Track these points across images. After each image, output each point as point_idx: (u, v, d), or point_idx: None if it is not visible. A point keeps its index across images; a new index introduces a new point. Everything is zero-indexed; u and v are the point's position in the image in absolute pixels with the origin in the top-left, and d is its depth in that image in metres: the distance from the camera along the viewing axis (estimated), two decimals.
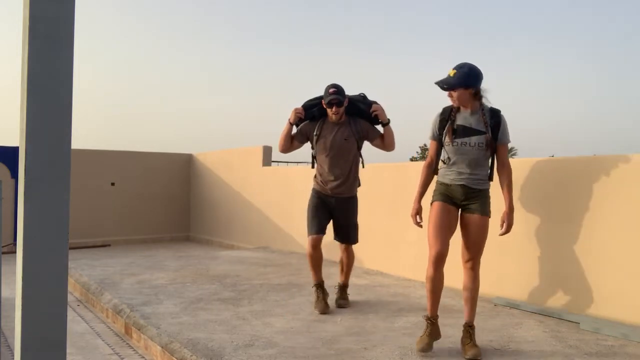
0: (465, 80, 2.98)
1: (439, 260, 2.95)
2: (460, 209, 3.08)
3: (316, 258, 3.85)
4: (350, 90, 3.92)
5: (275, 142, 4.09)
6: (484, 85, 3.06)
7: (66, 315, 0.79)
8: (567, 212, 3.68)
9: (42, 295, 0.75)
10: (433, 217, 3.04)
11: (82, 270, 5.30)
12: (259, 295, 4.28)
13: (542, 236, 3.84)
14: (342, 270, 4.09)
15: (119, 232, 8.62)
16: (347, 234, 3.98)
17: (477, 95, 3.04)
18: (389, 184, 5.33)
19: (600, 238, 3.48)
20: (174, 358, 2.97)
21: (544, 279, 3.83)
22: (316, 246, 3.82)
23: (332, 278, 4.74)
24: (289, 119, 3.88)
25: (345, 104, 3.82)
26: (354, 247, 4.10)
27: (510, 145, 3.29)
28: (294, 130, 3.95)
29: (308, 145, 4.01)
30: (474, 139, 3.00)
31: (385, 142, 3.88)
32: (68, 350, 2.85)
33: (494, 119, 3.04)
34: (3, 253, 4.05)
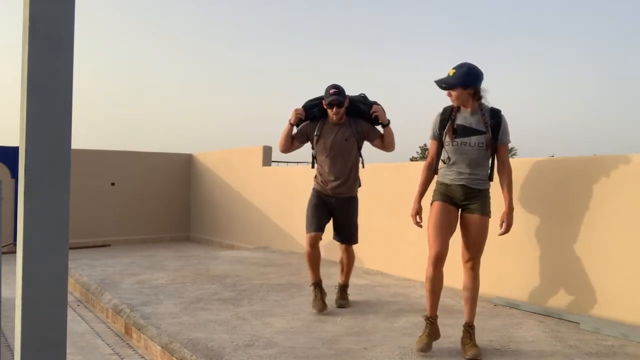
0: (464, 80, 2.98)
1: (439, 260, 2.95)
2: (460, 209, 3.08)
3: (314, 257, 3.83)
4: (351, 91, 3.92)
5: (275, 142, 4.10)
6: (484, 85, 3.07)
7: (66, 315, 0.79)
8: (567, 212, 3.68)
9: (42, 295, 0.75)
10: (433, 217, 3.04)
11: (82, 270, 5.30)
12: (259, 295, 4.28)
13: (542, 236, 3.84)
14: (342, 270, 4.09)
15: (119, 232, 8.62)
16: (347, 234, 3.98)
17: (477, 95, 3.04)
18: (389, 184, 5.33)
19: (600, 238, 3.48)
20: (174, 358, 2.97)
21: (544, 279, 3.83)
22: (314, 244, 3.81)
23: (332, 278, 4.74)
24: (290, 120, 3.88)
25: (346, 104, 3.82)
26: (354, 247, 4.10)
27: (510, 145, 3.29)
28: (295, 130, 3.95)
29: (308, 145, 4.01)
30: (474, 139, 3.00)
31: (385, 143, 3.88)
32: (68, 350, 2.85)
33: (495, 118, 3.04)
34: (3, 253, 4.05)
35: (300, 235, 6.35)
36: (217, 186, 8.77)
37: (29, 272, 0.74)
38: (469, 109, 3.05)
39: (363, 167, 4.02)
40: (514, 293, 4.00)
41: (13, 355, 3.10)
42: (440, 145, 3.15)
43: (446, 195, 3.07)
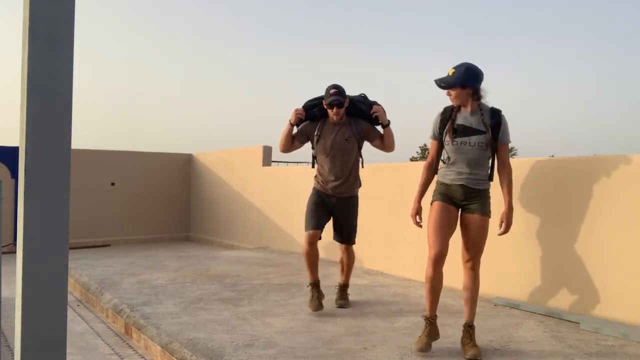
0: (463, 79, 2.98)
1: (439, 260, 2.95)
2: (460, 209, 3.08)
3: (312, 256, 3.80)
4: (351, 91, 3.92)
5: (275, 142, 4.10)
6: (484, 85, 3.07)
7: (66, 315, 0.79)
8: (567, 212, 3.68)
9: (42, 295, 0.75)
10: (433, 217, 3.04)
11: (82, 270, 5.30)
12: (259, 295, 4.28)
13: (542, 236, 3.84)
14: (342, 270, 4.09)
15: (119, 232, 8.62)
16: (346, 234, 3.98)
17: (476, 95, 3.04)
18: (389, 184, 5.33)
19: (600, 238, 3.48)
20: (174, 358, 2.97)
21: (544, 279, 3.83)
22: (312, 242, 3.78)
23: (332, 278, 4.74)
24: (290, 120, 3.88)
25: (346, 104, 3.82)
26: (354, 246, 4.09)
27: (510, 145, 3.29)
28: (295, 130, 3.95)
29: (308, 145, 4.00)
30: (473, 139, 3.00)
31: (385, 143, 3.88)
32: (68, 350, 2.85)
33: (495, 118, 3.04)
34: (3, 253, 4.05)
35: (300, 235, 6.35)
36: (217, 186, 8.77)
37: (29, 272, 0.74)
38: (469, 109, 3.05)
39: (362, 167, 4.02)
40: (514, 293, 4.00)
41: (13, 355, 3.10)
42: (440, 145, 3.15)
43: (446, 195, 3.07)
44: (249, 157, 8.02)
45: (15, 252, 2.37)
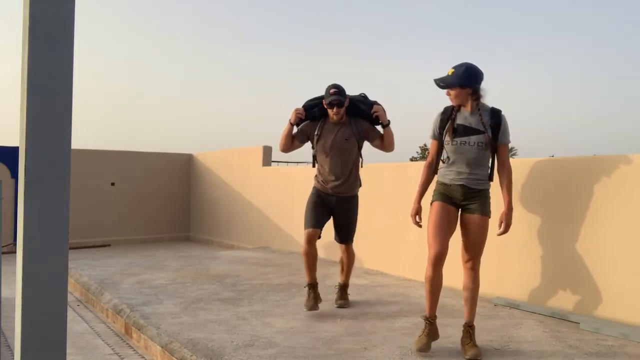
0: (462, 79, 2.99)
1: (438, 260, 2.95)
2: (460, 209, 3.08)
3: (311, 255, 3.78)
4: (351, 90, 3.92)
5: (275, 142, 4.10)
6: (484, 85, 3.07)
7: (66, 315, 0.79)
8: (567, 212, 3.68)
9: (42, 295, 0.75)
10: (432, 217, 3.04)
11: (82, 270, 5.30)
12: (259, 295, 4.28)
13: (542, 236, 3.84)
14: (342, 270, 4.09)
15: (119, 232, 8.62)
16: (345, 234, 3.97)
17: (475, 95, 3.03)
18: (389, 184, 5.33)
19: (600, 238, 3.48)
20: (174, 358, 2.97)
21: (544, 279, 3.83)
22: (311, 241, 3.76)
23: (332, 278, 4.74)
24: (290, 119, 3.88)
25: (346, 104, 3.82)
26: (355, 246, 4.09)
27: (510, 145, 3.29)
28: (295, 130, 3.94)
29: (308, 145, 4.00)
30: (473, 138, 3.00)
31: (385, 143, 3.88)
32: (68, 350, 2.85)
33: (495, 118, 3.04)
34: (3, 253, 4.05)
35: (300, 235, 6.35)
36: (217, 186, 8.77)
37: (29, 272, 0.74)
38: (469, 109, 3.05)
39: (361, 166, 4.01)
40: (514, 293, 4.00)
41: (13, 355, 3.10)
42: (440, 145, 3.15)
43: (446, 196, 3.07)
44: (249, 157, 8.02)
45: (15, 252, 2.37)
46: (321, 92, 3.88)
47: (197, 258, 6.33)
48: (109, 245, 8.38)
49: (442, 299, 3.14)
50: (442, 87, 3.07)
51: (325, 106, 3.82)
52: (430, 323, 2.96)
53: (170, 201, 9.27)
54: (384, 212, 5.33)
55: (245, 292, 4.39)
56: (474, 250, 3.01)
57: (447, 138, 3.07)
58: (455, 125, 3.05)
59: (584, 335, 3.23)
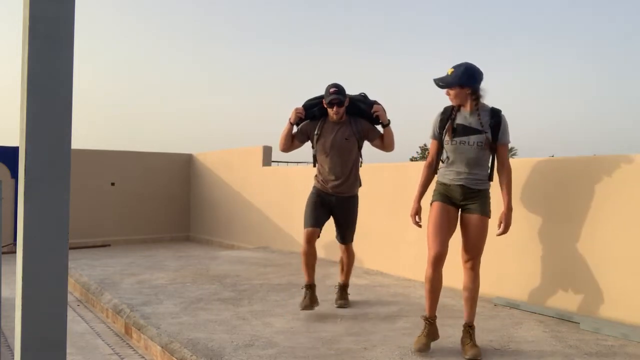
0: (461, 79, 2.99)
1: (438, 260, 2.95)
2: (460, 209, 3.08)
3: (310, 255, 3.76)
4: (351, 90, 3.92)
5: (275, 142, 4.09)
6: (484, 85, 3.07)
7: (66, 315, 0.79)
8: (567, 212, 3.68)
9: (42, 295, 0.75)
10: (432, 217, 3.04)
11: (82, 270, 5.30)
12: (259, 295, 4.28)
13: (542, 236, 3.84)
14: (342, 269, 4.09)
15: (119, 232, 8.62)
16: (345, 234, 3.97)
17: (474, 95, 3.03)
18: (389, 184, 5.33)
19: (600, 238, 3.48)
20: (174, 358, 2.97)
21: (544, 279, 3.83)
22: (310, 240, 3.75)
23: (332, 278, 4.75)
24: (290, 119, 3.88)
25: (346, 103, 3.82)
26: (355, 246, 4.09)
27: (510, 145, 3.29)
28: (295, 129, 3.94)
29: (308, 144, 4.00)
30: (472, 138, 3.00)
31: (384, 143, 3.88)
32: (68, 350, 2.85)
33: (495, 118, 3.04)
34: (3, 253, 4.05)
35: (300, 235, 6.35)
36: (217, 186, 8.77)
37: (29, 272, 0.74)
38: (469, 109, 3.05)
39: (360, 166, 4.01)
40: (514, 293, 4.00)
41: (13, 355, 3.10)
42: (440, 145, 3.15)
43: (445, 196, 3.07)
44: (249, 157, 8.02)
45: (15, 252, 2.36)
46: (321, 92, 3.88)
47: (197, 258, 6.33)
48: (109, 245, 8.38)
49: (442, 299, 3.13)
50: (442, 87, 3.08)
51: (325, 105, 3.82)
52: (430, 323, 2.96)
53: (170, 201, 9.27)
54: (384, 212, 5.33)
55: (245, 292, 4.39)
56: (473, 251, 3.01)
57: (446, 138, 3.07)
58: (455, 125, 3.05)
59: (584, 335, 3.23)
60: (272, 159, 7.88)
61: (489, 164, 3.12)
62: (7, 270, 3.78)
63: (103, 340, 3.57)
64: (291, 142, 3.93)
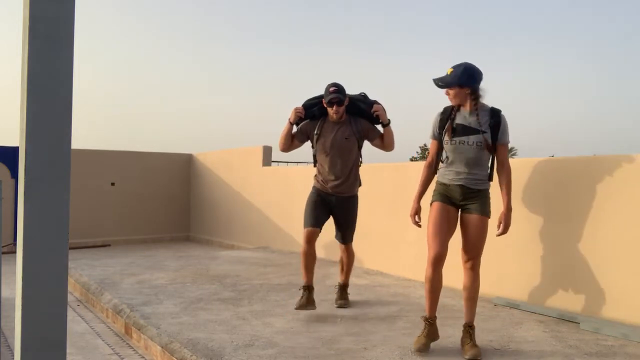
0: (461, 79, 2.99)
1: (438, 261, 2.95)
2: (459, 209, 3.08)
3: (309, 255, 3.74)
4: (351, 90, 3.92)
5: (275, 142, 4.09)
6: (484, 85, 3.07)
7: (66, 315, 0.79)
8: (567, 212, 3.68)
9: (42, 295, 0.75)
10: (432, 217, 3.04)
11: (82, 270, 5.30)
12: (259, 295, 4.28)
13: (542, 236, 3.84)
14: (342, 269, 4.09)
15: (119, 232, 8.62)
16: (345, 234, 3.97)
17: (474, 95, 3.03)
18: (389, 184, 5.33)
19: (600, 238, 3.48)
20: (174, 358, 2.97)
21: (544, 278, 3.83)
22: (310, 240, 3.74)
23: (332, 278, 4.75)
24: (289, 119, 3.88)
25: (346, 103, 3.82)
26: (355, 246, 4.09)
27: (510, 145, 3.29)
28: (294, 129, 3.94)
29: (308, 144, 4.00)
30: (472, 138, 3.00)
31: (384, 143, 3.88)
32: (68, 350, 2.85)
33: (494, 118, 3.04)
34: (3, 253, 4.05)
35: (300, 235, 6.35)
36: (217, 186, 8.78)
37: (29, 272, 0.74)
38: (468, 109, 3.05)
39: (360, 165, 4.01)
40: (514, 293, 4.00)
41: (13, 355, 3.10)
42: (440, 145, 3.15)
43: (445, 196, 3.07)
44: (249, 157, 8.02)
45: (15, 252, 2.37)
46: (321, 91, 3.88)
47: (197, 258, 6.33)
48: (109, 245, 8.38)
49: (442, 299, 3.13)
50: (441, 87, 3.08)
51: (325, 105, 3.82)
52: (430, 323, 2.96)
53: (170, 201, 9.27)
54: (384, 212, 5.33)
55: (245, 292, 4.39)
56: (473, 251, 3.01)
57: (446, 138, 3.07)
58: (454, 125, 3.05)
59: (584, 335, 3.23)
60: (272, 159, 7.88)
61: (489, 164, 3.12)
62: (7, 270, 3.78)
63: (103, 340, 3.57)
64: (291, 141, 3.93)
